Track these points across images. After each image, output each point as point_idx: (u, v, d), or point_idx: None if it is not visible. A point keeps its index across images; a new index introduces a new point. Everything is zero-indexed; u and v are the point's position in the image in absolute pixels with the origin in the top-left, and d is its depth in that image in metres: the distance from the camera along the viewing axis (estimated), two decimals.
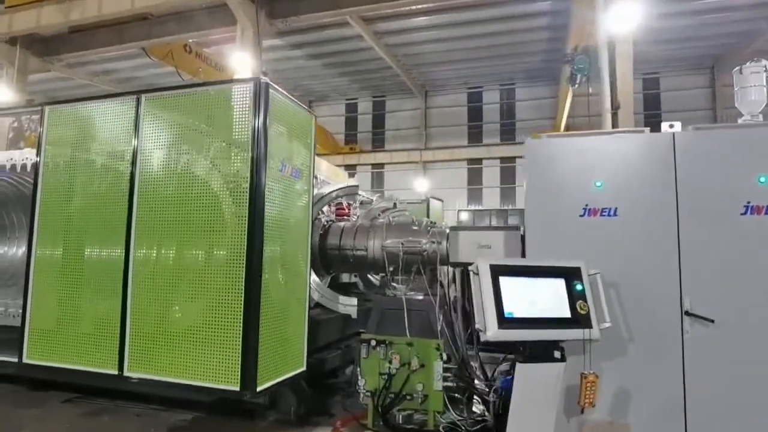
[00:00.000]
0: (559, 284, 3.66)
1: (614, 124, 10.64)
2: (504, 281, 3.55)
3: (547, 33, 18.77)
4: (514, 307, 3.48)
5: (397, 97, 24.70)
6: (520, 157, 22.82)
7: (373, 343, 5.24)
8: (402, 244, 6.35)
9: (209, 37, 16.57)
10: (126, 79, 22.83)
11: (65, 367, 4.46)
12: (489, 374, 5.12)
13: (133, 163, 4.42)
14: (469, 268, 3.74)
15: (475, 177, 23.71)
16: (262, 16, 13.30)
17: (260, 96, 4.05)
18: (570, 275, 3.68)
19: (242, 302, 3.92)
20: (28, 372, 4.71)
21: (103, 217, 4.50)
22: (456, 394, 5.19)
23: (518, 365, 3.53)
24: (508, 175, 23.21)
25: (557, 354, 3.54)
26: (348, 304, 6.61)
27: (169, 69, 20.45)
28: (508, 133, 23.37)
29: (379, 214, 7.72)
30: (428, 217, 9.90)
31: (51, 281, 4.65)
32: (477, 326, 3.47)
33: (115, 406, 5.00)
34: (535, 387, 3.54)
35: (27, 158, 5.48)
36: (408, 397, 5.00)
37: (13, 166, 5.47)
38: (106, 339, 4.34)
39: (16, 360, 4.68)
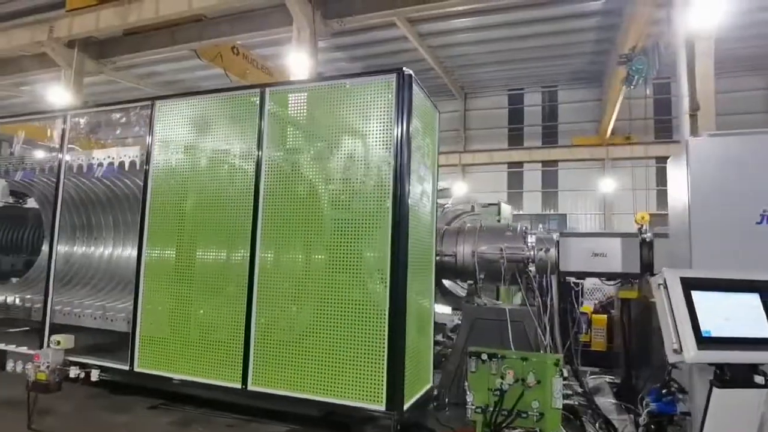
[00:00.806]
0: (753, 299, 3.22)
1: (693, 127, 10.06)
2: (697, 296, 3.12)
3: (595, 34, 18.19)
4: (710, 325, 3.06)
5: (437, 100, 24.19)
6: (563, 160, 22.26)
7: (484, 357, 4.89)
8: (502, 250, 5.96)
9: (258, 39, 16.46)
10: (169, 82, 22.88)
11: (181, 378, 4.14)
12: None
13: (258, 160, 4.08)
14: (651, 279, 3.33)
15: (515, 181, 23.16)
16: (317, 16, 13.04)
17: (403, 89, 3.69)
18: (766, 290, 3.23)
19: (387, 311, 3.55)
20: (140, 380, 4.41)
21: (222, 217, 4.19)
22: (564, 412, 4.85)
23: (715, 390, 3.09)
24: (549, 179, 22.60)
25: (759, 379, 3.09)
26: (442, 313, 6.23)
27: (212, 72, 20.42)
28: (549, 136, 22.78)
29: (454, 218, 7.34)
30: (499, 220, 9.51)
31: (163, 286, 4.36)
32: (673, 346, 3.05)
33: (202, 414, 4.69)
34: (733, 415, 3.12)
35: (125, 156, 5.19)
36: (523, 415, 4.62)
37: (111, 164, 5.20)
38: (229, 349, 4.01)
39: (126, 368, 4.38)
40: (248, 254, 4.02)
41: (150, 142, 4.57)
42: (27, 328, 6.01)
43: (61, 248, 6.48)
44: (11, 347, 5.00)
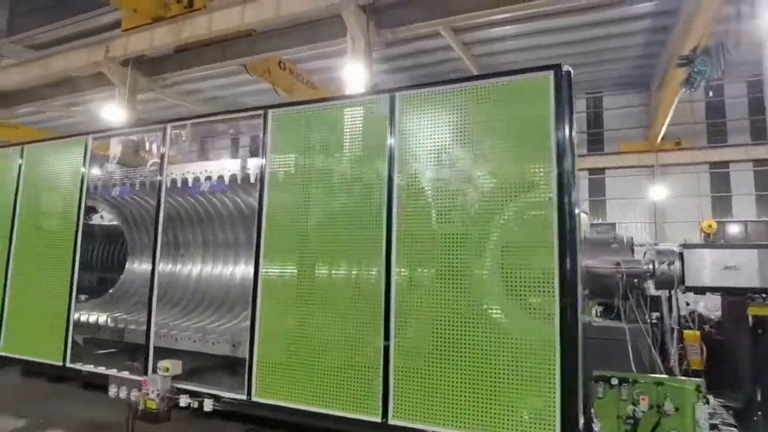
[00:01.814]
0: None
1: None
2: None
3: (644, 37, 17.54)
4: None
5: None
6: (611, 168, 21.50)
7: (614, 381, 4.43)
8: (619, 264, 5.46)
9: (305, 54, 16.34)
10: (210, 99, 22.99)
11: (309, 409, 3.75)
12: None
13: (390, 170, 3.70)
14: None
15: None
16: (371, 26, 12.78)
17: (563, 88, 3.27)
18: None
19: (558, 329, 3.11)
20: (258, 411, 4.03)
21: (349, 233, 3.81)
22: None
23: None
24: (597, 187, 21.84)
25: None
26: None
27: (253, 88, 20.44)
28: (595, 143, 22.05)
29: None
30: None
31: (283, 307, 3.99)
32: None
33: None
34: None
35: (226, 170, 4.89)
36: None
37: (220, 178, 4.91)
38: (363, 376, 3.61)
39: (243, 397, 4.02)
40: (383, 272, 3.62)
41: (264, 154, 4.23)
42: (114, 350, 5.75)
43: (145, 266, 6.22)
44: (113, 371, 4.69)
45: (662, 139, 20.04)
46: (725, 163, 19.89)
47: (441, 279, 3.45)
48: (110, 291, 6.54)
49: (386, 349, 3.54)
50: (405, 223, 3.63)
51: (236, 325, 5.07)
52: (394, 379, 3.50)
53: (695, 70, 13.64)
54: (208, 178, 5.01)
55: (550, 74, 3.32)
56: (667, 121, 18.25)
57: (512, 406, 3.18)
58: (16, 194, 5.75)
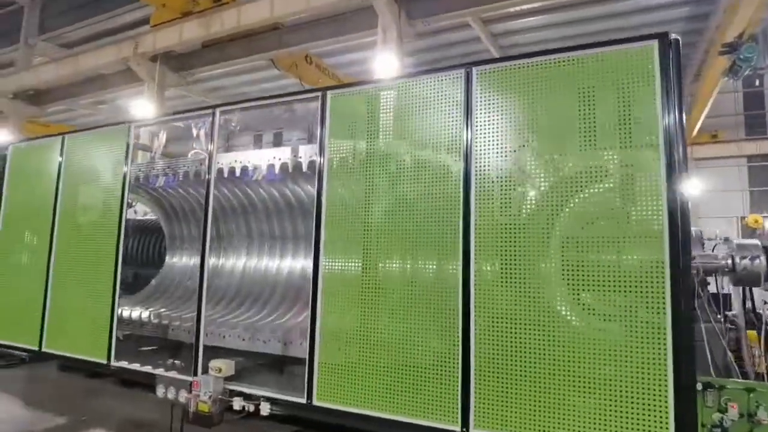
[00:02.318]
0: None
1: None
2: None
3: (682, 25, 16.81)
4: None
5: None
6: None
7: (699, 386, 4.03)
8: (694, 258, 5.03)
9: (330, 47, 16.03)
10: (235, 96, 22.83)
11: (376, 415, 3.42)
12: None
13: (467, 156, 3.34)
14: None
15: None
16: (403, 16, 12.40)
17: (670, 60, 2.87)
18: None
19: (668, 328, 2.73)
20: (320, 416, 3.72)
21: (421, 223, 3.46)
22: None
23: None
24: None
25: None
26: None
27: (277, 84, 20.18)
28: None
29: None
30: None
31: (347, 304, 3.67)
32: None
33: None
34: None
35: (276, 158, 4.58)
36: None
37: (271, 167, 4.60)
38: (439, 382, 3.26)
39: (303, 401, 3.71)
40: (460, 267, 3.27)
41: (323, 140, 3.91)
42: (154, 347, 5.50)
43: (186, 260, 5.96)
44: (160, 371, 4.43)
45: (697, 132, 19.29)
46: (764, 156, 19.06)
47: (531, 275, 3.07)
48: (150, 286, 6.31)
49: (466, 350, 3.19)
50: (485, 214, 3.26)
51: (286, 322, 4.77)
52: (475, 385, 3.14)
53: (741, 57, 12.97)
54: (257, 167, 4.70)
55: (654, 43, 2.91)
56: (705, 113, 17.51)
57: (623, 409, 2.80)
58: (57, 187, 5.54)
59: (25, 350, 5.60)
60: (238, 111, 4.49)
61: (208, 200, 4.39)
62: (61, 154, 5.56)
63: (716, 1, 14.69)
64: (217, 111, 4.46)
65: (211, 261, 5.88)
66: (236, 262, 5.69)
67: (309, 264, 5.08)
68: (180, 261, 6.12)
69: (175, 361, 5.29)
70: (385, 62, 11.91)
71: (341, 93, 3.88)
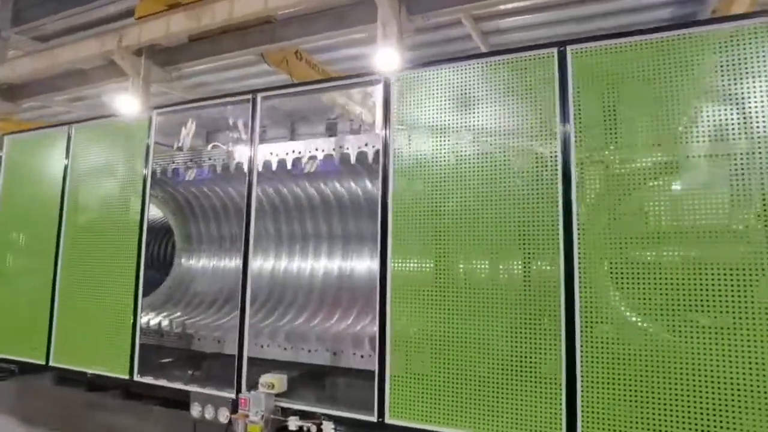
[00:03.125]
0: None
1: None
2: None
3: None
4: None
5: None
6: None
7: None
8: None
9: (321, 43, 15.50)
10: (215, 92, 22.00)
11: None
12: None
13: (565, 143, 2.96)
14: None
15: None
16: (403, 10, 11.99)
17: None
18: None
19: None
20: None
21: (509, 217, 3.06)
22: None
23: None
24: None
25: None
26: None
27: (264, 80, 19.47)
28: None
29: None
30: None
31: (421, 309, 3.24)
32: None
33: None
34: None
35: (318, 150, 4.11)
36: None
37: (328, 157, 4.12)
38: (538, 396, 2.87)
39: (373, 419, 3.26)
40: (560, 264, 2.89)
41: (387, 127, 3.46)
42: (170, 359, 4.96)
43: (205, 262, 5.44)
44: (194, 388, 3.91)
45: None
46: None
47: (656, 273, 2.71)
48: (160, 290, 5.73)
49: (571, 363, 2.81)
50: (589, 205, 2.89)
51: (330, 328, 4.31)
52: (582, 400, 2.76)
53: None
54: (298, 159, 4.23)
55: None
56: None
57: None
58: (64, 184, 4.92)
59: (28, 365, 4.98)
60: (281, 97, 3.99)
61: (251, 196, 3.88)
62: (68, 147, 4.95)
63: None
64: (258, 96, 3.96)
65: (234, 262, 5.40)
66: (266, 264, 5.18)
67: (354, 265, 4.72)
68: (197, 263, 5.56)
69: (194, 372, 4.78)
70: (385, 57, 11.48)
71: (408, 75, 3.44)
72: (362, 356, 3.93)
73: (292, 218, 5.01)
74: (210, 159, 4.64)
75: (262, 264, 5.16)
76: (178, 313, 5.05)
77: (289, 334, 4.25)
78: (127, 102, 14.53)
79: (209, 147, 5.11)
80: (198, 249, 5.61)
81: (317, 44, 16.21)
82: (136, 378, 4.22)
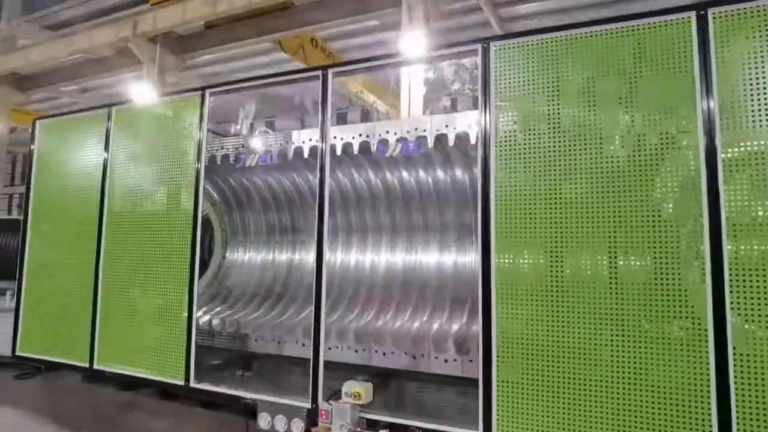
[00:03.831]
0: None
1: None
2: None
3: None
4: None
5: None
6: None
7: None
8: None
9: (336, 30, 14.99)
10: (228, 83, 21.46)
11: None
12: None
13: (709, 123, 2.53)
14: None
15: None
16: None
17: None
18: None
19: None
20: None
21: (637, 205, 2.63)
22: None
23: None
24: None
25: None
26: None
27: (275, 70, 18.98)
28: None
29: None
30: None
31: (531, 309, 2.83)
32: None
33: None
34: None
35: (390, 132, 3.67)
36: None
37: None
38: (683, 412, 2.46)
39: None
40: (706, 261, 2.47)
41: (487, 105, 3.01)
42: (218, 361, 4.57)
43: (253, 256, 5.03)
44: (262, 396, 3.51)
45: None
46: None
47: None
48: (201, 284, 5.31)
49: (722, 372, 2.39)
50: (740, 193, 2.46)
51: (403, 327, 3.90)
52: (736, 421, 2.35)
53: None
54: (366, 143, 3.79)
55: None
56: None
57: None
58: (104, 173, 4.48)
59: (72, 368, 4.59)
60: (354, 73, 3.54)
61: (324, 182, 3.43)
62: (107, 132, 4.51)
63: None
64: (330, 73, 3.51)
65: (285, 256, 4.99)
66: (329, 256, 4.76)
67: (421, 258, 4.30)
68: (244, 256, 5.14)
69: (244, 373, 4.40)
70: (412, 42, 10.98)
71: (515, 43, 2.99)
72: (446, 360, 3.52)
73: (348, 208, 4.59)
74: (263, 145, 4.21)
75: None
76: (228, 311, 4.65)
77: (360, 334, 3.85)
78: (141, 90, 14.07)
79: (256, 132, 4.68)
80: (245, 241, 5.19)
81: (331, 31, 15.71)
82: (193, 384, 3.81)
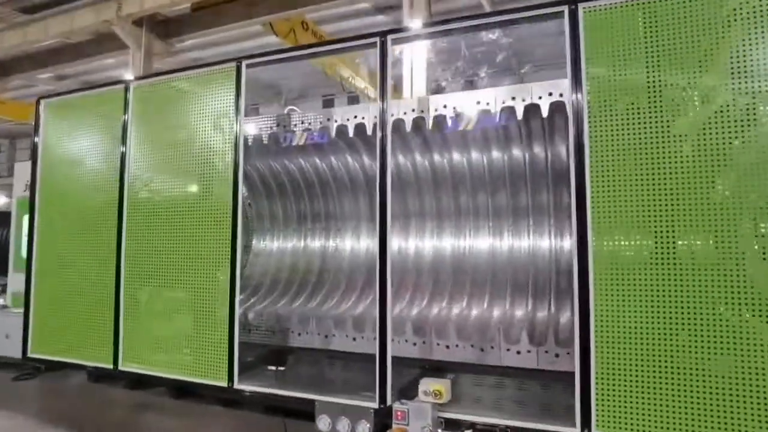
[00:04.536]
0: None
1: None
2: None
3: None
4: None
5: None
6: None
7: None
8: None
9: (329, 11, 14.45)
10: None
11: None
12: None
13: None
14: None
15: None
16: None
17: None
18: None
19: None
20: None
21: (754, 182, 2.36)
22: None
23: None
24: None
25: None
26: None
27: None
28: None
29: None
30: None
31: (637, 298, 2.54)
32: None
33: None
34: None
35: (465, 105, 3.30)
36: None
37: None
38: None
39: None
40: None
41: (578, 74, 2.68)
42: (250, 359, 4.19)
43: (282, 244, 4.67)
44: (322, 397, 3.16)
45: None
46: None
47: None
48: None
49: None
50: None
51: (463, 315, 3.60)
52: None
53: None
54: (440, 117, 3.43)
55: None
56: None
57: None
58: (123, 159, 4.00)
59: (93, 368, 4.16)
60: (416, 40, 3.17)
61: (385, 162, 3.05)
62: (125, 110, 4.02)
63: None
64: (389, 39, 3.12)
65: (316, 244, 4.62)
66: (361, 244, 4.42)
67: (471, 243, 3.99)
68: (272, 245, 4.73)
69: (278, 368, 4.06)
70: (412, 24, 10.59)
71: (605, 6, 2.67)
72: (518, 352, 3.24)
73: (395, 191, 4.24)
74: (303, 123, 3.81)
75: (355, 244, 4.40)
76: (264, 303, 4.28)
77: (418, 325, 3.53)
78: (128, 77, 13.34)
79: (285, 110, 4.29)
80: (272, 229, 4.78)
81: (323, 14, 15.14)
82: (237, 386, 3.44)
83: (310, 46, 3.36)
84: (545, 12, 2.81)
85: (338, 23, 16.46)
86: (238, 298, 3.45)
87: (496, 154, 3.74)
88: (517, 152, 3.68)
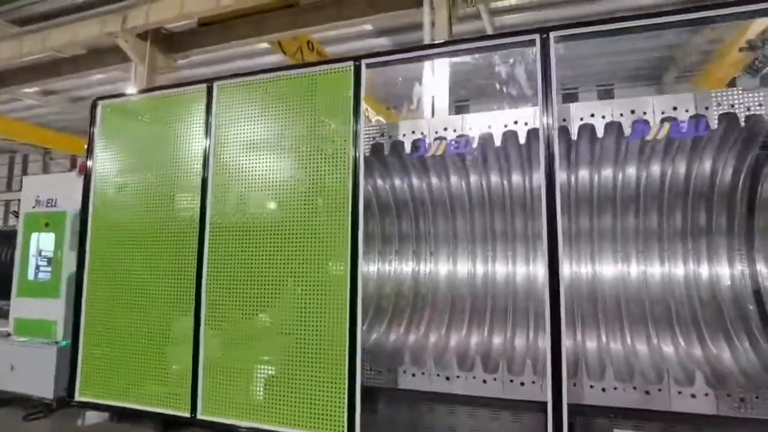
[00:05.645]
0: None
1: None
2: None
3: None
4: None
5: None
6: None
7: None
8: None
9: (334, 32, 14.11)
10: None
11: None
12: None
13: None
14: None
15: None
16: None
17: None
18: None
19: None
20: None
21: None
22: None
23: None
24: None
25: None
26: None
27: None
28: None
29: None
30: None
31: None
32: None
33: None
34: None
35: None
36: None
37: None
38: None
39: None
40: None
41: None
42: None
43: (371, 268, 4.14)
44: None
45: None
46: None
47: None
48: None
49: None
50: None
51: (623, 349, 3.11)
52: None
53: (765, 55, 12.85)
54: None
55: None
56: None
57: None
58: (205, 167, 3.39)
59: (169, 417, 3.45)
60: (583, 38, 2.74)
61: (553, 176, 2.53)
62: (208, 114, 3.43)
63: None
64: (551, 36, 2.68)
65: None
66: (443, 267, 3.90)
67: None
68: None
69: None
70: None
71: None
72: (693, 395, 2.78)
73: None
74: (415, 132, 3.32)
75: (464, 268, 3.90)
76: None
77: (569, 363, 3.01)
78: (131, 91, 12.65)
79: (374, 120, 3.79)
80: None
81: (330, 34, 14.78)
82: None
83: (442, 44, 2.95)
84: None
85: (347, 44, 16.19)
86: (359, 337, 2.85)
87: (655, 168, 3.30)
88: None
